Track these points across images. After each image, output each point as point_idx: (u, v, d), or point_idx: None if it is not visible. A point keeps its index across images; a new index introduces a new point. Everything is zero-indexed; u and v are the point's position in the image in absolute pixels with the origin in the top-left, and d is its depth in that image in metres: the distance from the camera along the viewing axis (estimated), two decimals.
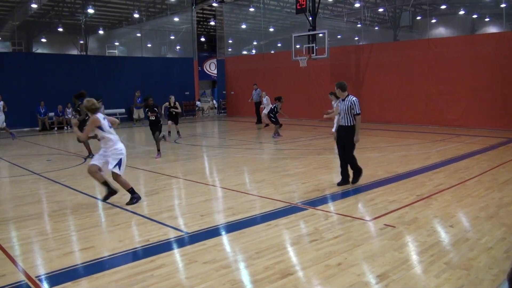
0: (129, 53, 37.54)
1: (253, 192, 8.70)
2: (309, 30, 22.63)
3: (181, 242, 6.00)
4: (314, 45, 22.28)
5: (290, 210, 7.34)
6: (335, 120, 12.38)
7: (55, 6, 32.47)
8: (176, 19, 35.87)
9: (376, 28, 35.75)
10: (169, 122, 17.41)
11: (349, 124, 8.68)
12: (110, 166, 7.79)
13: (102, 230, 6.74)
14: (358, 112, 8.60)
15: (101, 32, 38.35)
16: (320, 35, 22.49)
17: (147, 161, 12.85)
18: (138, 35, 37.24)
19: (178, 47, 38.41)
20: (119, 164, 7.79)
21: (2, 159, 14.19)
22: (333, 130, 12.15)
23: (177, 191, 9.27)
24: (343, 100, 8.76)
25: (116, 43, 39.54)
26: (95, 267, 5.25)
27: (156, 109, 13.55)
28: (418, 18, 31.89)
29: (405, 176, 9.83)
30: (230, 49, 37.31)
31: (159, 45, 38.35)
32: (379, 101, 22.44)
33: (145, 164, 12.38)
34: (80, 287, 4.73)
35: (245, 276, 4.88)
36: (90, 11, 31.55)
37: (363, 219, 6.71)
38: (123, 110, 28.49)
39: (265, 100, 22.08)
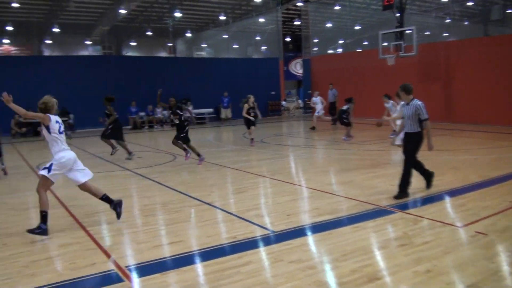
0: (216, 55, 38.41)
1: (340, 193, 8.55)
2: (396, 27, 22.02)
3: (267, 241, 6.01)
4: (401, 42, 21.63)
5: (378, 213, 7.13)
6: (396, 127, 11.47)
7: (144, 11, 33.89)
8: (261, 20, 36.23)
9: (466, 23, 34.15)
10: (251, 128, 16.08)
11: (413, 131, 7.98)
12: (42, 169, 6.80)
13: (191, 225, 6.92)
14: (426, 117, 7.86)
15: (188, 34, 39.52)
16: (408, 31, 21.80)
17: (235, 160, 13.04)
18: (225, 36, 38.00)
19: (263, 48, 38.76)
20: (49, 168, 6.67)
21: (96, 156, 14.98)
22: (395, 138, 10.92)
23: (264, 190, 9.31)
24: (407, 104, 8.06)
25: (204, 45, 40.57)
26: (183, 260, 5.39)
27: (179, 110, 12.40)
28: (509, 11, 30.06)
29: (498, 180, 9.23)
30: (315, 48, 37.11)
31: (245, 46, 38.92)
32: (470, 101, 21.28)
33: (232, 163, 12.57)
34: (168, 279, 4.87)
35: (330, 278, 4.80)
36: (178, 14, 32.54)
37: (454, 225, 6.36)
38: (211, 110, 29.18)
39: (317, 100, 21.71)
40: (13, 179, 11.47)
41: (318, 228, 6.44)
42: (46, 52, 35.65)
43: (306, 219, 6.94)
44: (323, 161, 12.87)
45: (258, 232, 6.32)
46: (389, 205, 7.52)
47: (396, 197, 7.88)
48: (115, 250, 5.89)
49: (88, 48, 38.11)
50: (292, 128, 24.53)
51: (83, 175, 6.96)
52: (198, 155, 12.40)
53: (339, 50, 36.97)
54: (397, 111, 11.55)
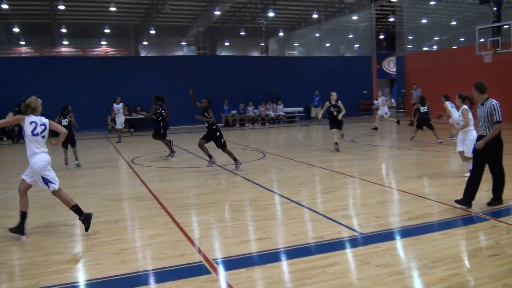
0: (308, 53, 38.31)
1: (431, 197, 8.22)
2: (493, 22, 20.83)
3: (354, 242, 5.94)
4: (499, 38, 20.44)
5: (469, 219, 6.81)
6: (459, 132, 9.87)
7: (237, 11, 34.49)
8: (354, 17, 35.62)
9: None
10: (333, 130, 14.53)
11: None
12: (40, 185, 6.56)
13: (278, 222, 6.99)
14: (498, 119, 7.03)
15: (281, 34, 39.73)
16: (506, 26, 20.53)
17: (324, 159, 12.94)
18: (317, 35, 37.77)
19: (356, 46, 38.11)
20: (46, 181, 6.50)
21: (188, 152, 15.50)
22: (460, 148, 9.81)
23: (353, 191, 9.20)
24: (482, 104, 7.26)
25: (296, 44, 40.61)
26: (269, 257, 5.47)
27: (206, 113, 11.39)
28: None
29: None
30: (410, 46, 35.90)
31: (337, 44, 38.49)
32: None
33: (321, 162, 12.50)
34: (254, 274, 4.98)
35: (418, 285, 4.68)
36: (271, 14, 32.81)
37: None
38: (301, 109, 29.20)
39: (380, 100, 20.97)
40: (107, 172, 12.17)
41: (407, 232, 6.27)
42: (143, 53, 37.41)
43: (395, 223, 6.78)
44: (415, 163, 12.43)
45: (345, 233, 6.26)
46: (482, 211, 7.13)
47: (489, 204, 7.41)
48: (203, 243, 6.08)
49: (183, 49, 39.52)
50: (383, 127, 23.88)
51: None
52: (215, 159, 11.63)
53: (434, 47, 35.53)
54: (457, 116, 10.37)
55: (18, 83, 23.21)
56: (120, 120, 19.65)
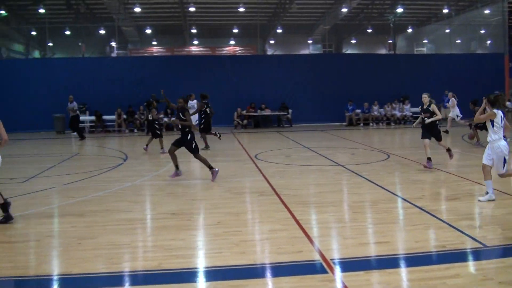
0: (437, 50, 36.69)
1: None
2: None
3: (478, 255, 5.63)
4: None
5: None
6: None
7: (365, 8, 33.98)
8: (486, 11, 33.32)
9: None
10: (425, 140, 11.81)
11: None
12: None
13: (399, 227, 6.84)
14: None
15: (409, 30, 38.46)
16: None
17: (451, 164, 12.24)
18: (447, 31, 35.99)
19: (488, 42, 35.67)
20: None
21: (310, 149, 15.60)
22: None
23: None
24: None
25: (425, 41, 39.05)
26: (388, 262, 5.38)
27: (182, 115, 10.34)
28: None
29: None
30: None
31: (468, 41, 36.31)
32: None
33: (448, 166, 11.91)
34: (371, 278, 4.92)
35: None
36: (399, 10, 31.85)
37: None
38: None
39: (450, 102, 19.34)
40: (232, 165, 12.65)
41: None
42: (269, 52, 38.22)
43: None
44: None
45: (469, 244, 5.93)
46: None
47: None
48: (321, 241, 6.14)
49: (309, 47, 39.78)
50: None
51: None
52: (210, 167, 10.50)
53: None
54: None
55: (149, 80, 24.88)
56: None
